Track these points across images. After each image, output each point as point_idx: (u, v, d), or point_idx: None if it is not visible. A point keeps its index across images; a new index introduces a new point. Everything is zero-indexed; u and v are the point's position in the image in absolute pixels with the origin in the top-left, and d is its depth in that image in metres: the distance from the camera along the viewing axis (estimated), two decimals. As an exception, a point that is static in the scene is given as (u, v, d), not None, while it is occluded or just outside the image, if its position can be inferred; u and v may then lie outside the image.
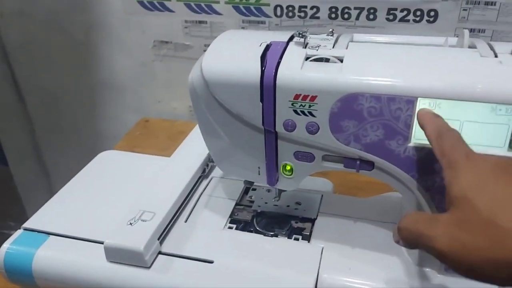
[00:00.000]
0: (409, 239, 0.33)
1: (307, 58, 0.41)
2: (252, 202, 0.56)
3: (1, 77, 0.96)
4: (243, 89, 0.41)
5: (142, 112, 0.93)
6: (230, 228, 0.52)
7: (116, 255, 0.46)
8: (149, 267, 0.46)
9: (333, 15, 0.74)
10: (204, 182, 0.59)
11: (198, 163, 0.58)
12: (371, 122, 0.39)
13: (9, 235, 0.51)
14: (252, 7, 0.77)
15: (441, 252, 0.29)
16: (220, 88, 0.42)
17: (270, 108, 0.41)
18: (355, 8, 0.73)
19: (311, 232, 0.51)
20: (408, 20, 0.72)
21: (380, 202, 0.54)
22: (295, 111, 0.40)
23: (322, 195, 0.56)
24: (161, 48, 0.85)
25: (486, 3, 0.67)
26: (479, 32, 0.70)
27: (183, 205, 0.53)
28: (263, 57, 0.41)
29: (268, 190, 0.57)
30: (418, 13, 0.71)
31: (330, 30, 0.45)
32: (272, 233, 0.51)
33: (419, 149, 0.39)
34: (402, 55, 0.40)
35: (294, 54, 0.41)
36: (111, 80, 0.92)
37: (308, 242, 0.49)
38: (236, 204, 0.55)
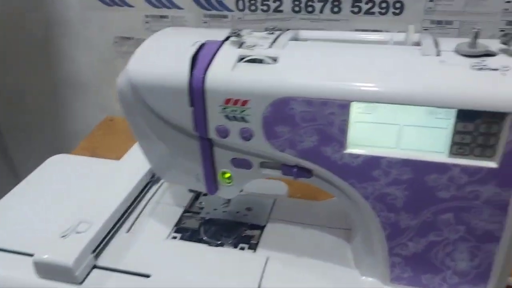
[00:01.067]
0: None
1: (241, 59, 0.38)
2: (202, 208, 0.53)
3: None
4: (172, 93, 0.38)
5: (107, 110, 0.90)
6: (174, 237, 0.49)
7: (46, 270, 0.43)
8: (81, 283, 0.43)
9: (296, 8, 0.71)
10: (154, 187, 0.56)
11: (147, 167, 0.55)
12: (305, 128, 0.36)
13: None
14: (213, 0, 0.74)
15: None
16: (148, 92, 0.39)
17: (201, 113, 0.38)
18: (319, 1, 0.70)
19: (259, 240, 0.48)
20: (374, 13, 0.69)
21: (332, 206, 0.52)
22: (227, 116, 0.38)
23: (274, 200, 0.53)
24: (122, 44, 0.82)
25: (453, -6, 0.64)
26: (446, 24, 0.67)
27: (127, 214, 0.51)
28: (195, 58, 0.38)
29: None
30: (384, 5, 0.68)
31: (272, 27, 0.42)
32: (218, 242, 0.48)
33: (356, 156, 0.36)
34: (340, 55, 0.37)
35: (226, 55, 0.38)
36: (74, 78, 0.89)
37: (254, 251, 0.47)
38: (185, 211, 0.53)
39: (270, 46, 0.39)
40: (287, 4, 0.71)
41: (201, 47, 0.39)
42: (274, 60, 0.37)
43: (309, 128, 0.36)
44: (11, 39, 0.87)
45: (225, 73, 0.37)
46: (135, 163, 0.56)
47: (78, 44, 0.85)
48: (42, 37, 0.85)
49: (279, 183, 0.56)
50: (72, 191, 0.55)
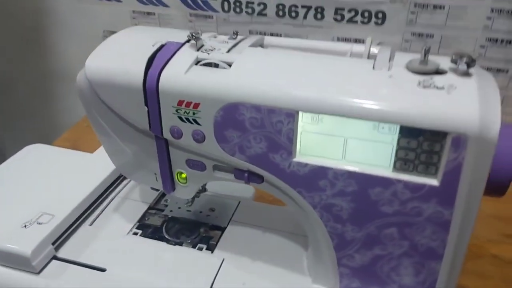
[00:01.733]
0: None
1: (197, 62, 0.39)
2: (166, 206, 0.54)
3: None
4: (126, 91, 0.39)
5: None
6: (135, 234, 0.50)
7: (5, 258, 0.44)
8: (38, 273, 0.44)
9: (280, 13, 0.72)
10: (124, 183, 0.57)
11: (117, 162, 0.56)
12: (254, 134, 0.37)
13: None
14: (199, 0, 0.75)
15: None
16: (104, 90, 0.40)
17: (155, 113, 0.39)
18: (303, 7, 0.70)
19: (217, 241, 0.49)
20: (356, 21, 0.69)
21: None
22: (180, 118, 0.38)
23: (239, 202, 0.54)
24: (110, 39, 0.83)
25: (435, 7, 0.64)
26: (427, 37, 0.67)
27: (92, 207, 0.52)
28: (152, 58, 0.39)
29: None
30: (366, 14, 0.68)
31: (234, 31, 0.43)
32: (177, 241, 0.49)
33: (303, 165, 0.37)
34: (293, 64, 0.38)
35: (184, 57, 0.39)
36: (62, 69, 0.90)
37: (212, 252, 0.47)
38: (149, 208, 0.53)
39: (228, 51, 0.40)
40: (271, 9, 0.72)
41: (161, 47, 0.40)
42: (229, 65, 0.38)
43: (258, 134, 0.36)
44: (2, 26, 0.88)
45: (179, 75, 0.37)
46: (106, 158, 0.57)
47: (67, 35, 0.86)
48: (32, 26, 0.86)
49: (246, 186, 0.57)
50: (41, 181, 0.56)
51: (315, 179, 0.37)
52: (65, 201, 0.49)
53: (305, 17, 0.71)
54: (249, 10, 0.73)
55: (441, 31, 0.66)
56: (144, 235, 0.50)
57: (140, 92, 0.38)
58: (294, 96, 0.35)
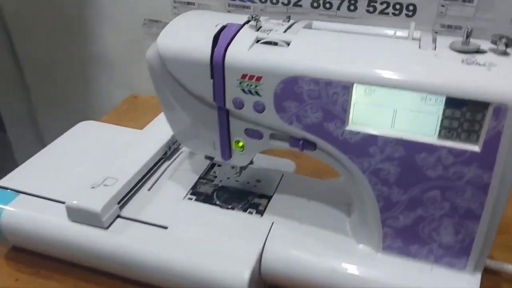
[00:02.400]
0: None
1: (258, 41, 0.43)
2: (215, 177, 0.59)
3: (1, 45, 0.99)
4: (195, 66, 0.43)
5: (131, 89, 0.96)
6: (190, 199, 0.55)
7: (77, 215, 0.49)
8: (106, 228, 0.49)
9: (315, 4, 0.76)
10: (173, 156, 0.62)
11: (168, 136, 0.61)
12: (311, 104, 0.41)
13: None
14: (238, -10, 0.79)
15: None
16: (174, 64, 0.44)
17: (220, 85, 0.43)
18: (337, -2, 0.75)
19: (265, 207, 0.53)
20: (388, 13, 0.73)
21: (335, 184, 0.56)
22: (243, 90, 0.43)
23: (282, 175, 0.58)
24: (151, 26, 0.88)
25: (464, 0, 0.68)
26: (455, 28, 0.71)
27: (148, 175, 0.57)
28: (217, 37, 0.43)
29: (232, 167, 0.60)
30: (398, 6, 0.72)
31: (287, 16, 0.47)
32: (229, 206, 0.54)
33: (355, 133, 0.41)
34: (344, 42, 0.42)
35: (245, 36, 0.43)
36: (102, 56, 0.95)
37: (261, 216, 0.52)
38: (200, 178, 0.58)
39: (285, 32, 0.44)
40: (306, 0, 0.76)
41: (223, 28, 0.45)
42: (287, 43, 0.42)
43: (314, 105, 0.41)
44: (45, 16, 0.93)
45: (243, 51, 0.42)
46: (157, 133, 0.62)
47: (108, 24, 0.91)
48: (75, 15, 0.91)
49: (288, 162, 0.62)
50: (98, 153, 0.61)
51: (365, 146, 0.41)
52: (126, 168, 0.54)
53: (338, 8, 0.75)
54: (285, 1, 0.77)
55: (469, 23, 0.70)
56: (198, 200, 0.54)
57: (207, 66, 0.43)
58: (350, 70, 0.39)
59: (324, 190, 0.56)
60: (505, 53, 0.39)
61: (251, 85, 0.42)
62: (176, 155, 0.62)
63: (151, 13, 0.86)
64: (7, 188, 0.55)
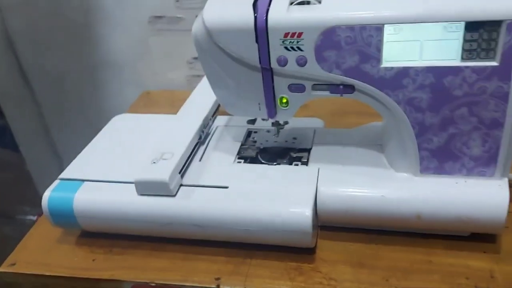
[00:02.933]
0: None
1: (291, 3, 0.49)
2: (255, 142, 0.64)
3: (8, 66, 1.02)
4: (240, 33, 0.49)
5: (142, 86, 1.00)
6: (239, 162, 0.60)
7: (145, 188, 0.54)
8: (174, 196, 0.54)
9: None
10: (211, 130, 0.67)
11: (204, 114, 0.66)
12: (348, 50, 0.47)
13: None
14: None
15: None
16: (221, 34, 0.50)
17: (264, 47, 0.49)
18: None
19: (308, 158, 0.59)
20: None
21: (364, 130, 0.63)
22: (286, 48, 0.48)
23: (315, 130, 0.64)
24: (156, 23, 0.92)
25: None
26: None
27: (196, 147, 0.62)
28: (254, 5, 0.49)
29: (268, 131, 0.65)
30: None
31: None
32: (275, 163, 0.59)
33: (389, 69, 0.47)
34: (369, -7, 0.48)
35: (280, 1, 0.49)
36: (111, 59, 0.99)
37: (307, 165, 0.58)
38: (242, 145, 0.64)
39: (314, -7, 0.50)
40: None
41: (258, -3, 0.50)
42: (319, 1, 0.48)
43: (351, 49, 0.47)
44: (54, 26, 0.97)
45: (282, 13, 0.48)
46: (193, 113, 0.67)
47: (115, 26, 0.95)
48: (81, 22, 0.95)
49: (316, 120, 0.68)
50: (145, 137, 0.66)
51: (399, 79, 0.48)
52: (177, 143, 0.59)
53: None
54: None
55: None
56: (246, 162, 0.60)
57: (252, 32, 0.48)
58: (379, 13, 0.45)
59: (354, 136, 0.62)
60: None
61: (293, 42, 0.48)
62: (213, 129, 0.67)
63: (155, 10, 0.91)
64: (69, 179, 0.59)
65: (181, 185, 0.56)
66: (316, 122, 0.67)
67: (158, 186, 0.53)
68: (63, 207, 0.56)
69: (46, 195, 0.57)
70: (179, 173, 0.56)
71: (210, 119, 0.68)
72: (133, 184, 0.54)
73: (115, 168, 0.60)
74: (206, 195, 0.54)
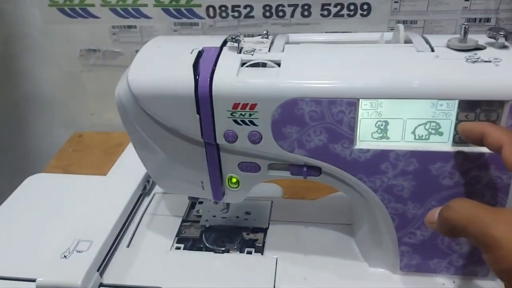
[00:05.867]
0: (457, 222, 0.30)
1: (243, 64, 0.38)
2: (199, 216, 0.53)
3: None
4: (176, 101, 0.38)
5: (74, 126, 0.87)
6: (178, 248, 0.48)
7: (51, 294, 0.41)
8: (90, 303, 0.42)
9: (267, 14, 0.72)
10: (146, 200, 0.55)
11: (138, 180, 0.54)
12: (314, 127, 0.37)
13: None
14: (182, 9, 0.74)
15: (495, 239, 0.27)
16: (150, 102, 0.38)
17: (208, 119, 0.38)
18: (289, 6, 0.71)
19: (263, 242, 0.49)
20: (343, 15, 0.71)
21: (329, 203, 0.53)
22: (235, 121, 0.38)
23: (272, 202, 0.54)
24: (89, 57, 0.80)
25: (416, -6, 0.68)
26: (411, 23, 0.71)
27: (124, 229, 0.50)
28: (195, 65, 0.38)
29: (216, 202, 0.54)
30: (352, 7, 0.70)
31: (265, 32, 0.43)
32: (223, 249, 0.48)
33: (364, 151, 0.38)
34: (339, 55, 0.39)
35: (228, 60, 0.38)
36: (37, 94, 0.85)
37: (262, 254, 0.47)
38: (183, 221, 0.52)
39: (269, 50, 0.40)
40: (258, 10, 0.72)
41: (200, 53, 0.39)
42: (277, 63, 0.38)
43: (318, 127, 0.37)
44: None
45: (231, 78, 0.37)
46: (124, 177, 0.55)
47: (41, 58, 0.81)
48: (2, 53, 0.81)
49: (274, 186, 0.57)
50: (60, 210, 0.53)
51: (376, 163, 0.38)
52: (98, 226, 0.47)
53: (292, 15, 0.72)
54: (236, 14, 0.73)
55: (423, 16, 0.70)
56: (187, 248, 0.48)
57: (192, 100, 0.37)
58: (354, 85, 0.36)
59: (319, 212, 0.52)
60: (504, 46, 0.37)
61: (244, 115, 0.37)
62: (149, 198, 0.55)
63: (88, 43, 0.78)
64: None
65: (101, 285, 0.43)
66: (273, 190, 0.57)
67: (67, 292, 0.41)
68: None
69: None
70: (98, 270, 0.43)
71: (147, 183, 0.56)
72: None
73: (17, 258, 0.47)
74: (133, 300, 0.42)
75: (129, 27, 0.76)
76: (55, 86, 0.84)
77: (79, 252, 0.44)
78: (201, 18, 0.74)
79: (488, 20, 0.68)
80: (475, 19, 0.69)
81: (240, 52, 0.39)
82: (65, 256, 0.43)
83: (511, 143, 0.31)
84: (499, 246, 0.27)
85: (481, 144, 0.34)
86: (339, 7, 0.71)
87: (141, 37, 0.77)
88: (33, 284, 0.42)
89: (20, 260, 0.46)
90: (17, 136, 0.91)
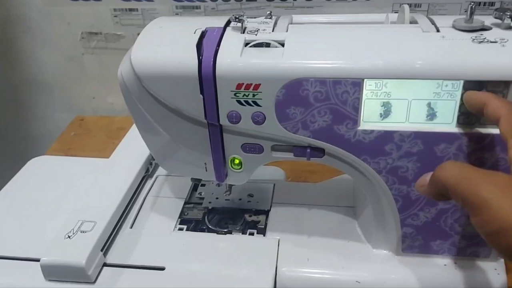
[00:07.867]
0: (448, 181, 0.29)
1: (246, 44, 0.38)
2: (202, 198, 0.53)
3: None
4: (180, 81, 0.37)
5: (76, 110, 0.86)
6: (181, 229, 0.48)
7: (55, 272, 0.42)
8: (94, 282, 0.42)
9: (270, -4, 0.72)
10: (149, 182, 0.55)
11: (140, 162, 0.54)
12: (318, 108, 0.37)
13: None
14: (185, -9, 0.73)
15: (484, 200, 0.27)
16: (154, 82, 0.38)
17: (211, 100, 0.38)
18: (292, -12, 0.71)
19: (265, 224, 0.49)
20: (346, -2, 0.70)
21: (332, 186, 0.53)
22: (239, 102, 0.38)
23: (274, 184, 0.54)
24: (90, 39, 0.79)
25: (421, -23, 0.67)
26: (415, 6, 0.70)
27: (127, 210, 0.50)
28: (199, 45, 0.38)
29: (218, 185, 0.54)
30: (355, -10, 0.70)
31: (268, 12, 0.43)
32: (225, 230, 0.48)
33: (368, 132, 0.37)
34: (344, 36, 0.38)
35: (232, 40, 0.38)
36: (37, 78, 0.85)
37: (264, 235, 0.47)
38: (185, 203, 0.52)
39: (273, 30, 0.40)
40: (261, -8, 0.72)
41: (203, 34, 0.39)
42: (281, 44, 0.38)
43: (322, 108, 0.37)
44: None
45: (235, 58, 0.37)
46: (127, 159, 0.55)
47: (42, 41, 0.80)
48: (2, 35, 0.80)
49: (276, 169, 0.57)
50: (64, 191, 0.53)
51: (380, 144, 0.38)
52: (101, 207, 0.47)
53: (295, -2, 0.71)
54: (238, -4, 0.72)
55: (428, -1, 0.69)
56: (189, 229, 0.49)
57: (195, 80, 0.37)
58: (359, 65, 0.35)
59: (321, 194, 0.52)
60: (511, 27, 0.37)
61: (248, 95, 0.37)
62: (152, 180, 0.56)
63: (90, 26, 0.77)
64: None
65: (104, 264, 0.44)
66: (275, 173, 0.57)
67: (72, 271, 0.41)
68: None
69: None
70: (102, 250, 0.43)
71: (150, 166, 0.56)
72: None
73: (22, 238, 0.47)
74: (137, 279, 0.43)
75: (131, 10, 0.76)
76: (56, 69, 0.83)
77: (83, 232, 0.44)
78: (203, 1, 0.73)
79: (492, 4, 0.68)
80: (480, 2, 0.68)
81: (243, 32, 0.39)
82: (69, 236, 0.43)
83: (509, 116, 0.31)
84: (488, 207, 0.27)
85: (483, 114, 0.33)
86: (343, -11, 0.70)
87: (143, 20, 0.76)
88: (37, 264, 0.42)
89: (24, 241, 0.46)
90: (18, 120, 0.91)
